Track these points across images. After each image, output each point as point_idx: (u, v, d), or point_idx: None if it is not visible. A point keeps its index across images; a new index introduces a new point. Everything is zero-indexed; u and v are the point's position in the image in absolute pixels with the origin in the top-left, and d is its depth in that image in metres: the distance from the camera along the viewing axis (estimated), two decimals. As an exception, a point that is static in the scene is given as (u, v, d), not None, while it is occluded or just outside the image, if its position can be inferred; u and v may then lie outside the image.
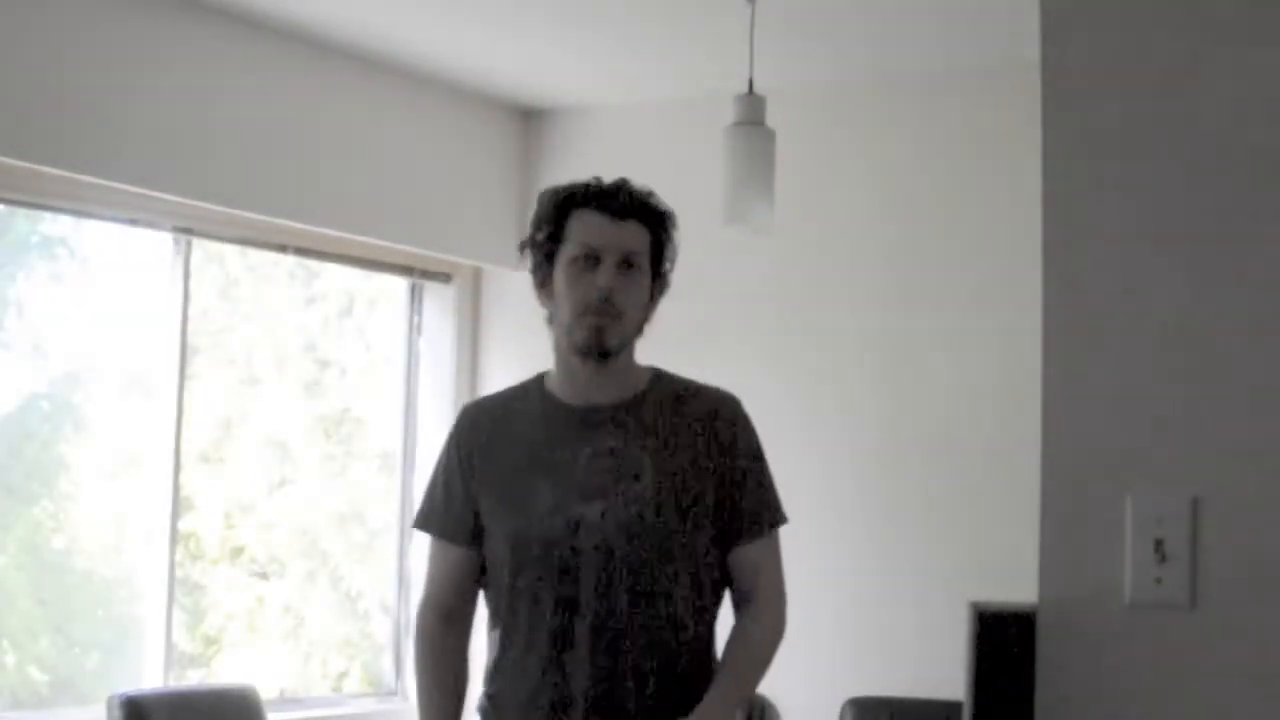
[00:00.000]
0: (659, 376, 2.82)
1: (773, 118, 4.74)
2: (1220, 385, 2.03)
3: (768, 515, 2.81)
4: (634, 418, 2.74)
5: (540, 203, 2.80)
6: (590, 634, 2.66)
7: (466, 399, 6.58)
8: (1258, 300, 2.02)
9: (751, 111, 4.72)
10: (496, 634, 2.78)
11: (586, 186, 2.77)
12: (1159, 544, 2.02)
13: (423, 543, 2.93)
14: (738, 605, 2.83)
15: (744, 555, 2.78)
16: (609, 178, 2.81)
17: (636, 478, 2.69)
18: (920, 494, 5.80)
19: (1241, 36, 2.06)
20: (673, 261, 2.83)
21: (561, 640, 2.68)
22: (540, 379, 2.83)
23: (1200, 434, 2.03)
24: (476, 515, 2.79)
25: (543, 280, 2.78)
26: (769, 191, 4.72)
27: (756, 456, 2.80)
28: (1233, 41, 2.06)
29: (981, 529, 5.53)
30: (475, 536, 2.80)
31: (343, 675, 6.46)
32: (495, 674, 2.77)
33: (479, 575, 2.83)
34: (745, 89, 4.74)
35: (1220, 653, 1.99)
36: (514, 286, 6.29)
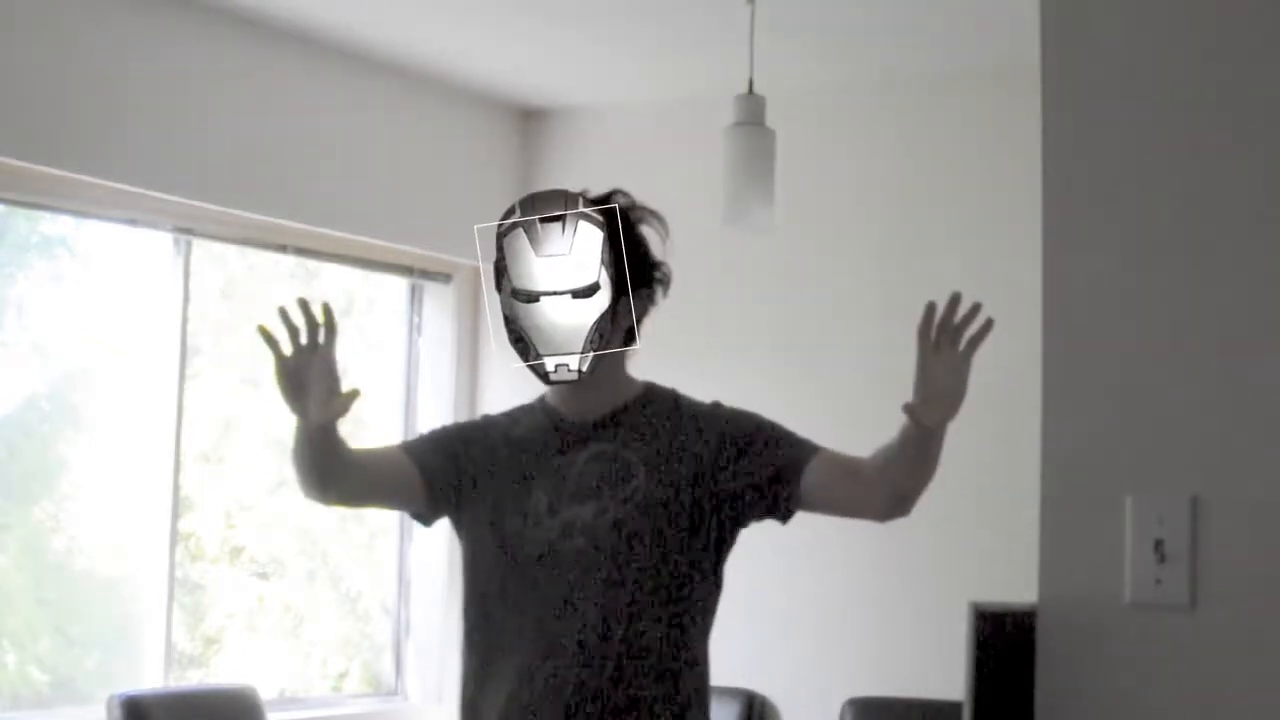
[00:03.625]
0: (651, 388, 2.83)
1: (773, 118, 4.74)
2: (1220, 385, 2.03)
3: (809, 444, 2.79)
4: (626, 424, 2.75)
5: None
6: (580, 635, 2.65)
7: (466, 399, 6.59)
8: (1257, 300, 2.02)
9: (751, 111, 4.72)
10: (477, 640, 2.76)
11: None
12: (1159, 544, 2.02)
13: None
14: (855, 482, 2.77)
15: (817, 466, 2.74)
16: (598, 186, 2.77)
17: (629, 479, 2.70)
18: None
19: (1239, 38, 2.06)
20: (651, 267, 2.78)
21: (549, 643, 2.67)
22: (543, 396, 2.85)
23: (1200, 434, 2.03)
24: (438, 483, 2.81)
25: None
26: (769, 192, 4.71)
27: (765, 424, 2.80)
28: (1230, 43, 2.06)
29: (981, 529, 5.53)
30: (428, 479, 2.83)
31: (343, 675, 6.46)
32: (475, 679, 2.76)
33: (397, 485, 2.89)
34: (745, 89, 4.74)
35: (1220, 653, 1.99)
36: (514, 286, 6.28)
